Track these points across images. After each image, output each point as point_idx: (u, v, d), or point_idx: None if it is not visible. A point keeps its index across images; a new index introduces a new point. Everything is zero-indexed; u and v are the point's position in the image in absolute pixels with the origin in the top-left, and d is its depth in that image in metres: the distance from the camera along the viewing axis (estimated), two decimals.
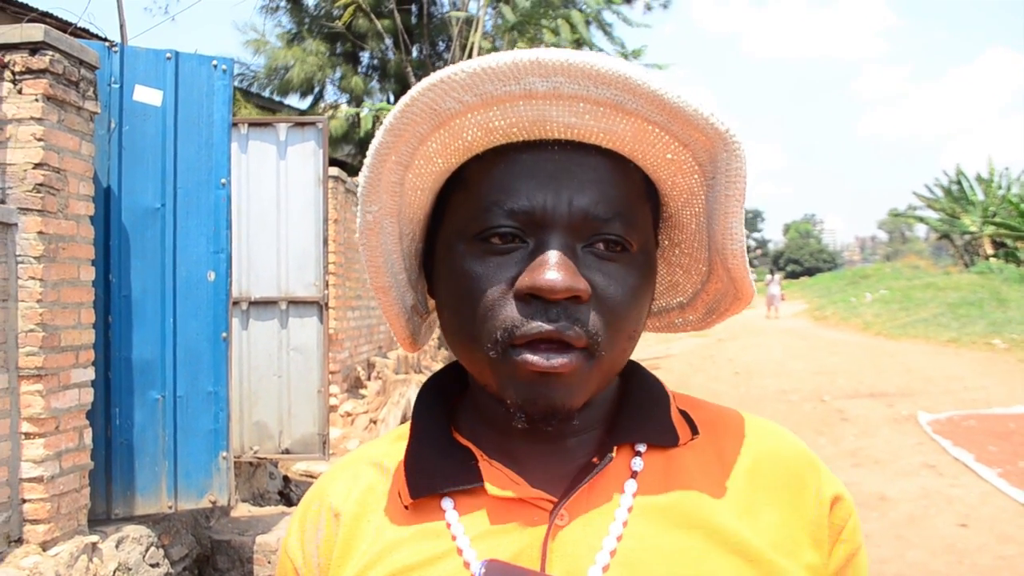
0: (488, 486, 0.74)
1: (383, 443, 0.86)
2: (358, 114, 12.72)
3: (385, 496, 0.79)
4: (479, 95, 0.66)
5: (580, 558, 0.69)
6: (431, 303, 0.85)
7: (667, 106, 0.67)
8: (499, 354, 0.68)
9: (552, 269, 0.66)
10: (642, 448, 0.76)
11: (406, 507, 0.76)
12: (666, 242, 0.84)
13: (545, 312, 0.66)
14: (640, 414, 0.77)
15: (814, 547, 0.73)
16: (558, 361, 0.67)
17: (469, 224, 0.71)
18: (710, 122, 0.68)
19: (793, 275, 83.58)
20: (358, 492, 0.80)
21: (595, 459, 0.74)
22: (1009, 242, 29.54)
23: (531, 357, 0.67)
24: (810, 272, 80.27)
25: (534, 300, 0.67)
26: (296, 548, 0.81)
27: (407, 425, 0.84)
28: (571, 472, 0.75)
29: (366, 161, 0.70)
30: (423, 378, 9.32)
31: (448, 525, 0.73)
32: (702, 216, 0.78)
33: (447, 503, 0.75)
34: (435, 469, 0.76)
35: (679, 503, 0.73)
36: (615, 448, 0.75)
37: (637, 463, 0.75)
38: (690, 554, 0.69)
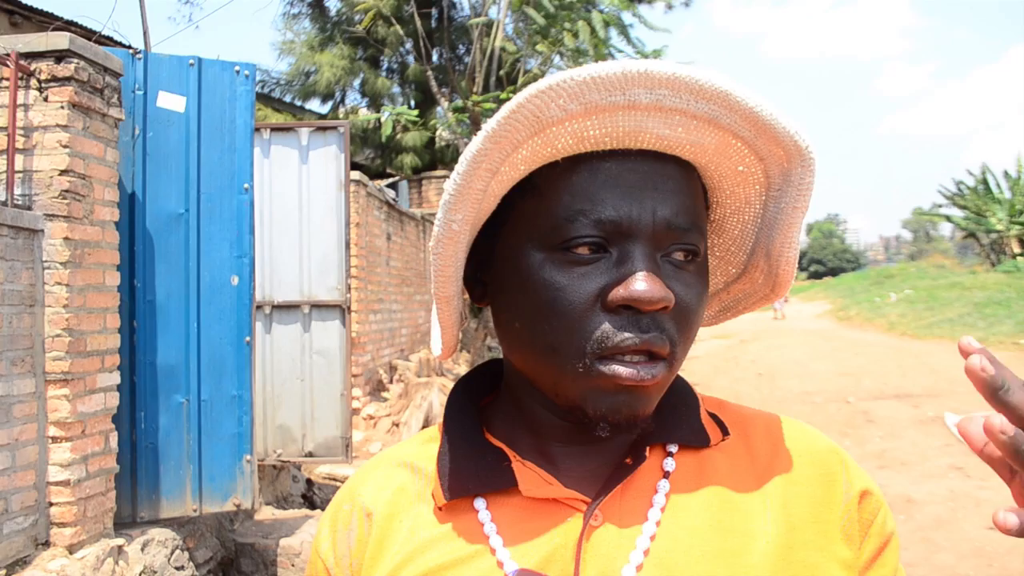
0: (522, 487, 0.74)
1: (412, 444, 0.86)
2: (379, 119, 12.77)
3: (417, 496, 0.79)
4: (583, 103, 0.65)
5: (614, 558, 0.70)
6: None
7: (760, 122, 0.68)
8: (585, 366, 0.68)
9: (645, 281, 0.66)
10: (674, 449, 0.77)
11: (439, 508, 0.76)
12: None
13: (637, 323, 0.67)
14: (672, 415, 0.78)
15: (845, 542, 0.73)
16: (648, 374, 0.67)
17: (549, 233, 0.69)
18: (795, 139, 0.69)
19: (816, 275, 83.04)
20: (390, 492, 0.80)
21: (628, 460, 0.75)
22: None
23: (622, 370, 0.67)
24: (834, 272, 79.67)
25: (624, 311, 0.67)
26: (327, 548, 0.81)
27: (435, 427, 0.85)
28: (604, 472, 0.76)
29: (458, 169, 0.67)
30: (445, 381, 9.33)
31: (481, 525, 0.74)
32: (749, 225, 0.79)
33: (480, 503, 0.75)
34: (468, 470, 0.76)
35: (711, 503, 0.73)
36: (648, 449, 0.75)
37: (669, 463, 0.76)
38: (723, 553, 0.70)
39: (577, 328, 0.68)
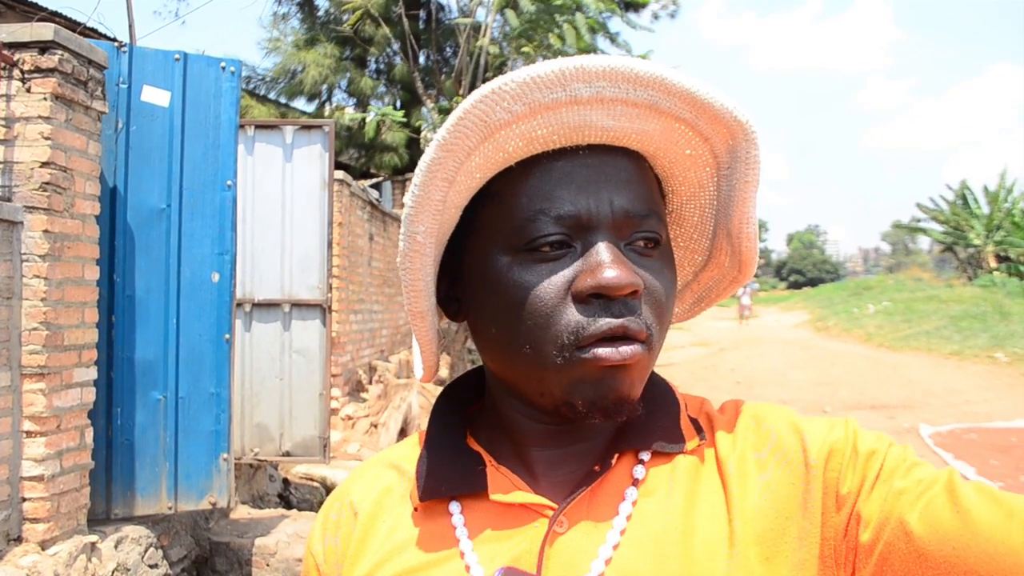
0: (491, 490, 0.75)
1: (405, 447, 0.87)
2: (364, 118, 12.73)
3: (400, 498, 0.81)
4: (528, 104, 0.67)
5: (575, 565, 0.70)
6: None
7: (698, 102, 0.70)
8: (566, 359, 0.69)
9: (612, 267, 0.67)
10: (646, 456, 0.76)
11: (416, 509, 0.78)
12: None
13: (608, 309, 0.68)
14: (649, 421, 0.77)
15: (820, 513, 0.70)
16: (628, 351, 0.68)
17: (512, 236, 0.71)
18: (734, 115, 0.71)
19: (796, 285, 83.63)
20: (376, 492, 0.82)
21: (596, 467, 0.75)
22: (1013, 255, 29.52)
23: (603, 351, 0.68)
24: (813, 283, 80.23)
25: (595, 300, 0.68)
26: (318, 545, 0.83)
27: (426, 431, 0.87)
28: (579, 478, 0.76)
29: (415, 180, 0.69)
30: (424, 384, 9.30)
31: (454, 528, 0.75)
32: (707, 208, 0.82)
33: (454, 506, 0.76)
34: (444, 473, 0.77)
35: (679, 509, 0.72)
36: (616, 456, 0.75)
37: (639, 471, 0.75)
38: (687, 560, 0.69)
39: (552, 323, 0.69)
